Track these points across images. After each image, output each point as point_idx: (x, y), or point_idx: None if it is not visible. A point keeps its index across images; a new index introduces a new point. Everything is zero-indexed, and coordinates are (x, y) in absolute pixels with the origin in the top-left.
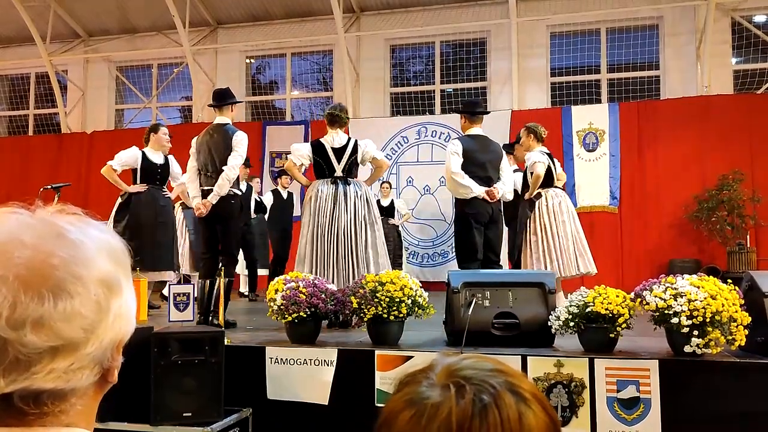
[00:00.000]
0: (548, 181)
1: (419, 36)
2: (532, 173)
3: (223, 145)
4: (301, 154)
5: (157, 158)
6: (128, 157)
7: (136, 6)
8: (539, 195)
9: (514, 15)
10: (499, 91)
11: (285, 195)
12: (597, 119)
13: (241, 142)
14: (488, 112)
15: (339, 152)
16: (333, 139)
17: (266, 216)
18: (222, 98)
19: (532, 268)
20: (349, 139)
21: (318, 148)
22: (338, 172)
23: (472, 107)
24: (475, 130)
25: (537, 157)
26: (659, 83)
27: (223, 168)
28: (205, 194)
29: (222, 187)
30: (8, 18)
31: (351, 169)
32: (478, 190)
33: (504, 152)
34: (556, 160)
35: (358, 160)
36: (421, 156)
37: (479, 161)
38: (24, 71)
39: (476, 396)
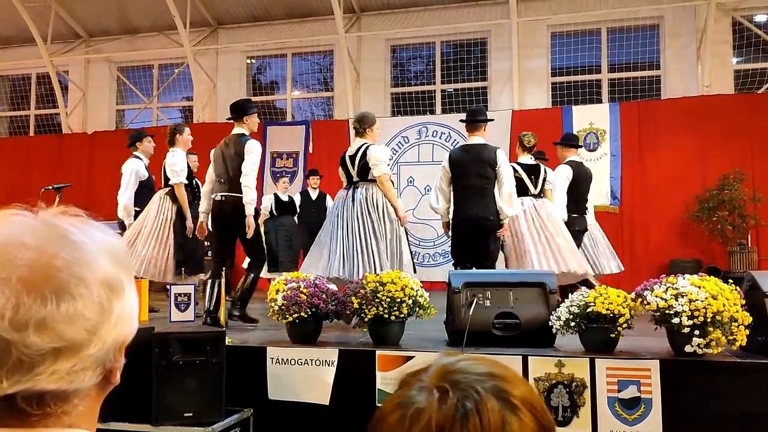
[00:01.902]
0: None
1: (420, 36)
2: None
3: (235, 153)
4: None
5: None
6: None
7: (136, 6)
8: None
9: (515, 15)
10: (499, 91)
11: (314, 195)
12: (598, 119)
13: (251, 149)
14: (477, 120)
15: (352, 159)
16: (352, 147)
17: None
18: (238, 110)
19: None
20: (362, 144)
21: (341, 161)
22: (355, 177)
23: (469, 116)
24: (474, 140)
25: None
26: (660, 83)
27: (241, 180)
28: (217, 202)
29: (248, 195)
30: (9, 18)
31: (365, 173)
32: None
33: (497, 156)
34: (547, 168)
35: (369, 163)
36: (422, 156)
37: (466, 172)
38: (25, 72)
39: (459, 402)
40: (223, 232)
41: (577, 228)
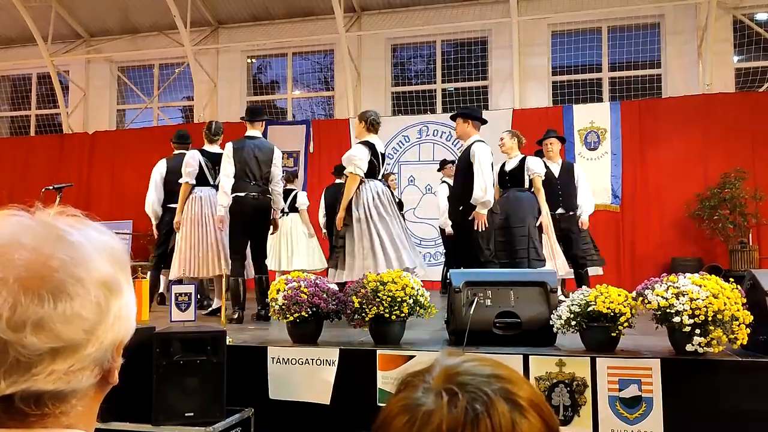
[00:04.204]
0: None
1: (420, 35)
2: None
3: (266, 158)
4: (363, 163)
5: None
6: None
7: (137, 6)
8: None
9: (515, 14)
10: (500, 89)
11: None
12: (598, 118)
13: (279, 158)
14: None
15: (382, 156)
16: (379, 143)
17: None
18: (256, 114)
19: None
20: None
21: (373, 149)
22: (379, 175)
23: (477, 112)
24: (479, 136)
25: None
26: (661, 81)
27: (275, 188)
28: (250, 200)
29: (279, 202)
30: (10, 18)
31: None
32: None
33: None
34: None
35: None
36: (422, 155)
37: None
38: (25, 72)
39: (469, 404)
40: (249, 230)
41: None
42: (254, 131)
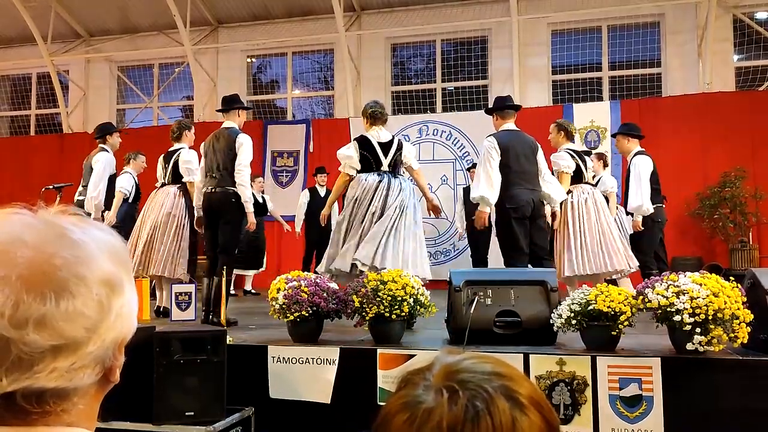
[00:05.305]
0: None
1: (420, 34)
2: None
3: (225, 147)
4: (351, 161)
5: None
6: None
7: (137, 6)
8: (568, 192)
9: (515, 13)
10: (500, 89)
11: (323, 193)
12: (598, 117)
13: (242, 144)
14: (510, 107)
15: (386, 147)
16: (378, 134)
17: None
18: (229, 103)
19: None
20: (393, 136)
21: (364, 143)
22: (385, 167)
23: (500, 103)
24: (512, 125)
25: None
26: (661, 81)
27: (235, 178)
28: (206, 194)
29: (244, 194)
30: (9, 18)
31: (396, 165)
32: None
33: (539, 146)
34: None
35: (402, 158)
36: (422, 155)
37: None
38: (25, 71)
39: (469, 402)
40: (212, 225)
41: (659, 219)
42: (228, 122)
